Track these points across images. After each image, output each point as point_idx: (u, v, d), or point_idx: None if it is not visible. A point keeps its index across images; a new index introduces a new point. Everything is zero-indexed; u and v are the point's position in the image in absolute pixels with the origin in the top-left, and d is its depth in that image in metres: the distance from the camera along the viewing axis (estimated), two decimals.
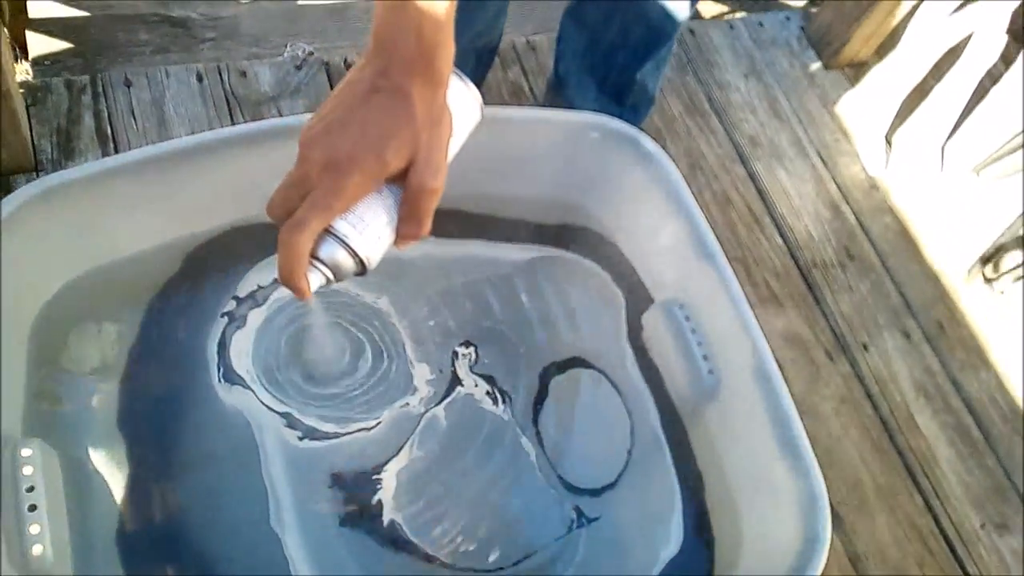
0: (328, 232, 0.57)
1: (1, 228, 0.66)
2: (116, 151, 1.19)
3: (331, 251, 0.58)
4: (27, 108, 1.19)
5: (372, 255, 0.60)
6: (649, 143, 0.87)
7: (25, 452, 0.62)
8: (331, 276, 0.59)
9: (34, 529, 0.60)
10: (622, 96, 1.25)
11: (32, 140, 1.16)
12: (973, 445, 1.26)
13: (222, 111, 1.27)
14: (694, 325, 0.83)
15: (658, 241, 0.88)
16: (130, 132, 1.22)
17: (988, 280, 1.41)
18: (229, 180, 0.81)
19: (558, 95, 1.29)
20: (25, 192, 0.68)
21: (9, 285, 0.68)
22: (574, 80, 1.26)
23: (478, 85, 1.27)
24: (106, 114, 1.22)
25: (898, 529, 1.17)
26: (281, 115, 1.29)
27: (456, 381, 0.81)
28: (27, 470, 0.61)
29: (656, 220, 0.87)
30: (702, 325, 0.83)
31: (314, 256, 0.57)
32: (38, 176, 1.14)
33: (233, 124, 1.26)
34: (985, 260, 1.42)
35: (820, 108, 1.56)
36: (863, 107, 1.56)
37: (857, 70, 1.62)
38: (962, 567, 1.15)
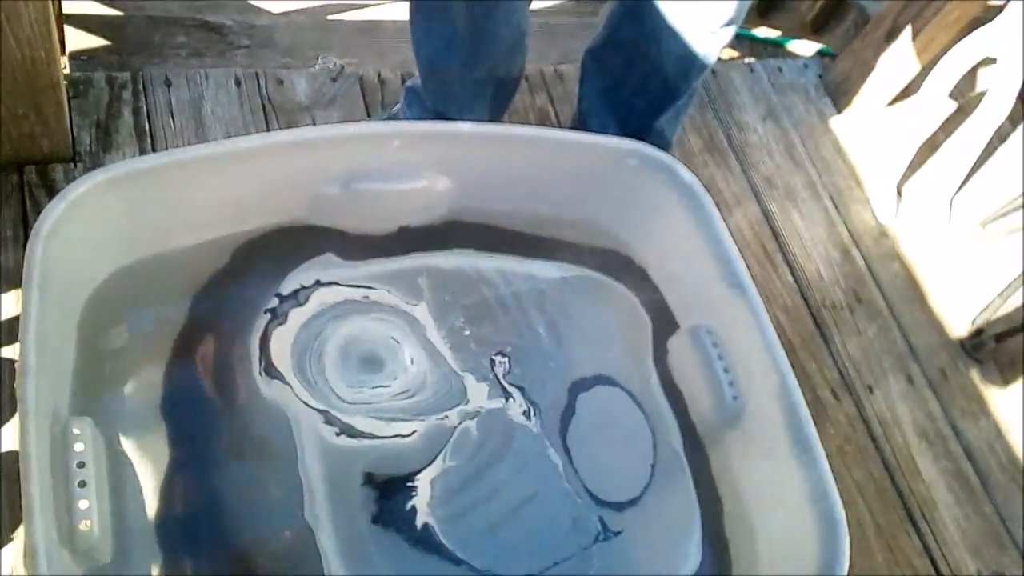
0: None
1: (64, 208, 0.68)
2: (153, 148, 1.21)
3: None
4: (68, 101, 1.21)
5: None
6: (685, 173, 0.90)
7: (76, 430, 0.64)
8: None
9: (83, 504, 0.61)
10: (641, 139, 1.28)
11: (72, 132, 1.18)
12: (971, 491, 1.28)
13: (258, 116, 1.30)
14: (721, 351, 0.86)
15: (688, 268, 0.91)
16: (167, 130, 1.24)
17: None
18: (279, 182, 0.83)
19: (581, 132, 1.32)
20: (92, 177, 0.70)
21: (66, 265, 0.70)
22: (596, 120, 1.29)
23: (500, 113, 1.31)
24: (145, 111, 1.24)
25: (896, 569, 1.19)
26: (316, 124, 1.32)
27: (490, 392, 0.83)
28: (78, 447, 0.63)
29: (687, 248, 0.90)
30: (729, 351, 0.85)
31: None
32: (76, 167, 1.16)
33: (268, 130, 1.28)
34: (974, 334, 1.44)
35: (834, 154, 1.60)
36: (875, 156, 1.60)
37: (871, 120, 1.66)
38: None
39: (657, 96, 1.21)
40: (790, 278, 1.42)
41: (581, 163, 0.92)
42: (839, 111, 1.66)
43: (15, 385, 0.60)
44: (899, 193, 1.56)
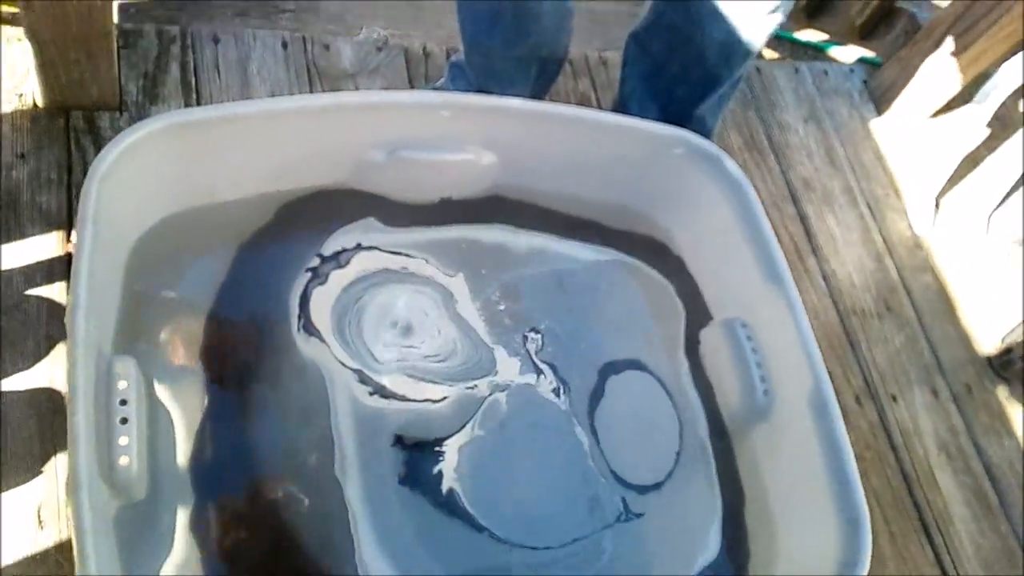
0: None
1: (121, 153, 0.69)
2: (199, 102, 1.22)
3: None
4: (118, 50, 1.21)
5: None
6: (732, 165, 0.89)
7: (119, 368, 0.64)
8: None
9: (123, 441, 0.62)
10: (682, 126, 1.28)
11: (120, 81, 1.19)
12: (988, 509, 1.28)
13: (302, 80, 1.30)
14: (755, 345, 0.86)
15: (726, 261, 0.91)
16: (213, 86, 1.24)
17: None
18: (327, 144, 0.84)
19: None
20: (147, 125, 0.71)
21: (117, 209, 0.71)
22: (636, 104, 1.28)
23: (542, 93, 1.31)
24: (192, 66, 1.25)
25: None
26: None
27: (522, 367, 0.84)
28: (121, 384, 0.64)
29: (728, 240, 0.90)
30: (763, 346, 0.85)
31: None
32: (121, 116, 1.17)
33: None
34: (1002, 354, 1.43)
35: (874, 161, 1.59)
36: (916, 166, 1.59)
37: (913, 130, 1.65)
38: None
39: (699, 83, 1.20)
40: (821, 282, 1.41)
41: (627, 148, 0.92)
42: (882, 118, 1.64)
43: (65, 320, 0.61)
44: (937, 205, 1.55)
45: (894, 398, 1.33)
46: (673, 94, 1.23)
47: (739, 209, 0.88)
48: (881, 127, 1.64)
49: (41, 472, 0.88)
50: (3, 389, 0.92)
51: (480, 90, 1.21)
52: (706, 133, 1.30)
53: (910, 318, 1.42)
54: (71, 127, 1.14)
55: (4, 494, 0.86)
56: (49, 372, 0.94)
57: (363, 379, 0.79)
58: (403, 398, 0.79)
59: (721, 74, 1.19)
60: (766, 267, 0.85)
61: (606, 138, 0.92)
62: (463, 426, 0.80)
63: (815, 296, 1.39)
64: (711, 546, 0.82)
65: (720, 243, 0.92)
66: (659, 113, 1.25)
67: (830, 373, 1.30)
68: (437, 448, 0.78)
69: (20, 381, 0.93)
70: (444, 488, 0.76)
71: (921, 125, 1.65)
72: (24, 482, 0.88)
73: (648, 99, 1.27)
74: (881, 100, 1.66)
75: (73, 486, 0.55)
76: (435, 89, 1.31)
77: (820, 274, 1.42)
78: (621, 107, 1.32)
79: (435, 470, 0.77)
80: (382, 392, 0.79)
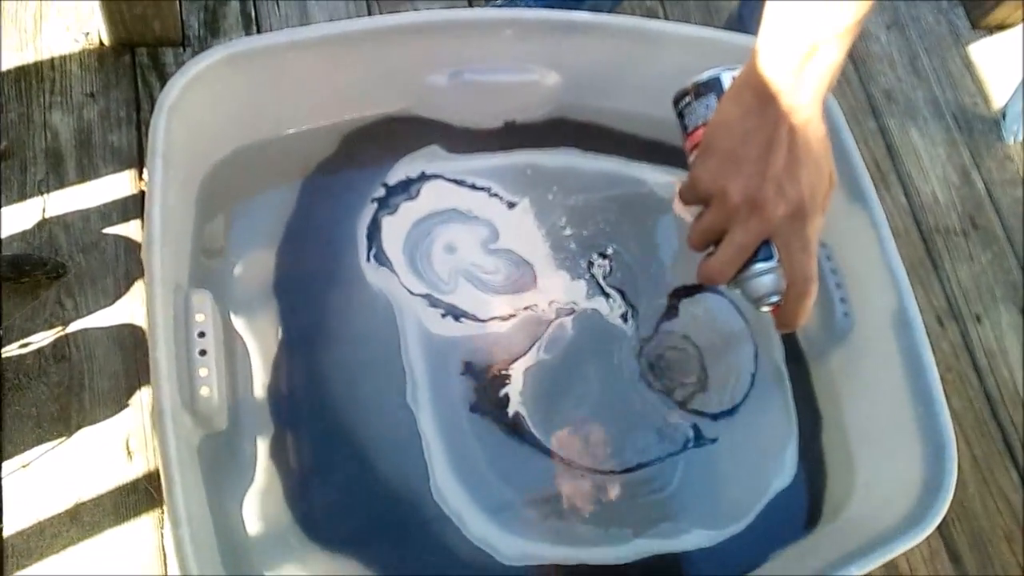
0: None
1: (188, 84, 0.69)
2: (259, 34, 1.21)
3: None
4: None
5: None
6: None
7: (196, 301, 0.65)
8: None
9: (203, 372, 0.63)
10: None
11: (181, 15, 1.19)
12: None
13: (361, 9, 1.28)
14: (835, 266, 0.82)
15: None
16: (273, 18, 1.23)
17: None
18: (391, 68, 0.82)
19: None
20: (213, 54, 0.70)
21: (186, 141, 0.71)
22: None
23: (609, 8, 1.25)
24: None
25: (989, 501, 1.16)
26: None
27: (589, 292, 0.83)
28: (199, 317, 0.65)
29: None
30: (844, 266, 0.82)
31: None
32: (184, 51, 1.17)
33: None
34: None
35: (962, 70, 1.49)
36: (1007, 74, 1.49)
37: (1006, 37, 1.54)
38: None
39: None
40: (903, 199, 1.35)
41: (702, 62, 0.87)
42: (973, 25, 1.54)
43: (141, 256, 0.62)
44: None
45: (978, 318, 1.28)
46: None
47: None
48: (971, 34, 1.53)
49: (128, 405, 0.92)
50: (86, 327, 0.95)
51: (544, 5, 1.17)
52: None
53: (997, 235, 1.36)
54: (137, 64, 1.15)
55: (94, 427, 0.91)
56: (130, 308, 0.97)
57: (433, 302, 0.79)
58: (474, 317, 0.79)
59: None
60: (849, 185, 0.81)
61: (680, 52, 0.88)
62: (528, 350, 0.80)
63: (896, 215, 1.33)
64: (787, 470, 0.81)
65: None
66: None
67: None
68: (503, 372, 0.78)
69: (102, 318, 0.96)
70: (510, 412, 0.77)
71: (1015, 31, 1.54)
72: (112, 415, 0.92)
73: None
74: (971, 4, 1.55)
75: (158, 418, 0.57)
76: (497, 6, 1.28)
77: (902, 191, 1.36)
78: (736, 27, 1.25)
79: (501, 394, 0.77)
80: (453, 312, 0.79)
